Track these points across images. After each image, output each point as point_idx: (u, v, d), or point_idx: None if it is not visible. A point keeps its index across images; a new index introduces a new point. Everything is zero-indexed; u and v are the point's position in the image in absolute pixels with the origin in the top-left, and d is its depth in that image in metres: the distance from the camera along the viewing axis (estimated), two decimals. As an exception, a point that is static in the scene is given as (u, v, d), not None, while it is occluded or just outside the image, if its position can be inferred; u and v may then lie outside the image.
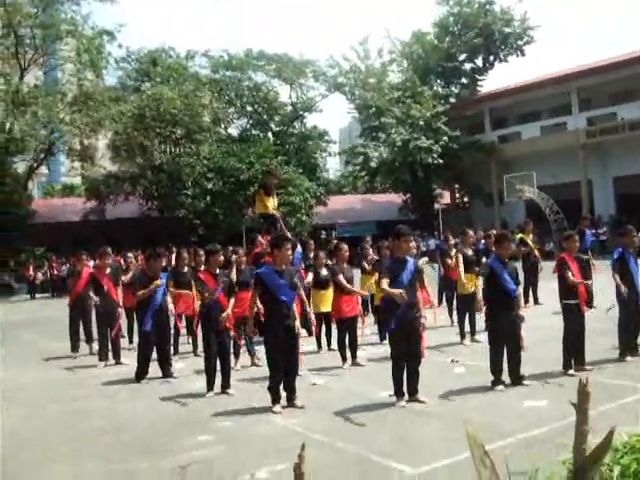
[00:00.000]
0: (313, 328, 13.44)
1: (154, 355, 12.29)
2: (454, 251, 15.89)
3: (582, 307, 10.67)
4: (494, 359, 9.93)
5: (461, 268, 14.40)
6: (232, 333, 11.25)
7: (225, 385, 10.69)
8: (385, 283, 9.24)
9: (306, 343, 12.31)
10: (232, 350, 11.80)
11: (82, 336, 15.78)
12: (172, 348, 14.28)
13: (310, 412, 9.25)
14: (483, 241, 18.71)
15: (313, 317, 11.78)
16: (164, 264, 32.94)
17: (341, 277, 12.63)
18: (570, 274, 10.60)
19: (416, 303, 9.44)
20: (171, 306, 12.97)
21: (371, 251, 16.44)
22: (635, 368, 10.60)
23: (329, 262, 14.18)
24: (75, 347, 15.63)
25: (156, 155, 48.40)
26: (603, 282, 13.57)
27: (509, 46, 54.64)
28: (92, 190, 48.80)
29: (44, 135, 44.56)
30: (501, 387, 9.77)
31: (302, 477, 2.30)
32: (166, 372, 12.20)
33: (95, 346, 14.97)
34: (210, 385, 10.66)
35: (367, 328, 14.61)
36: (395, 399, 9.30)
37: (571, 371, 10.35)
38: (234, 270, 13.28)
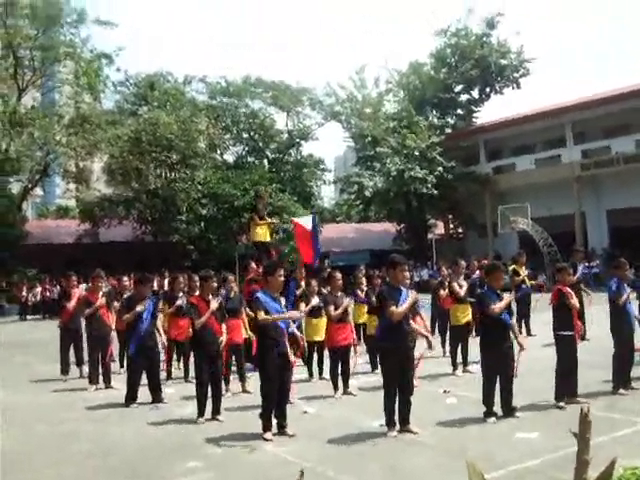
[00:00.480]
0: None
1: (144, 380, 12.23)
2: (447, 282, 15.89)
3: (575, 339, 10.66)
4: (487, 390, 9.90)
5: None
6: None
7: (216, 411, 10.64)
8: (393, 307, 9.22)
9: (298, 372, 12.24)
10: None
11: (72, 358, 15.70)
12: (165, 373, 14.28)
13: (301, 440, 9.20)
14: (478, 272, 18.71)
15: (305, 344, 11.72)
16: (157, 288, 32.89)
17: (331, 308, 12.60)
18: (572, 301, 10.65)
19: (411, 332, 9.44)
20: (162, 333, 12.95)
21: (364, 280, 16.42)
22: (627, 401, 10.58)
23: (323, 290, 14.17)
24: (65, 370, 15.52)
25: (151, 179, 48.39)
26: (597, 315, 13.55)
27: (505, 78, 54.88)
28: (86, 213, 48.74)
29: (40, 156, 44.66)
30: (493, 419, 9.74)
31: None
32: (156, 397, 12.12)
33: (85, 369, 14.89)
34: (201, 411, 10.59)
35: (359, 357, 14.58)
36: (386, 429, 9.27)
37: (562, 403, 10.33)
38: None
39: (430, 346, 10.00)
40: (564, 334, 10.60)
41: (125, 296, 14.53)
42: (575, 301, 10.75)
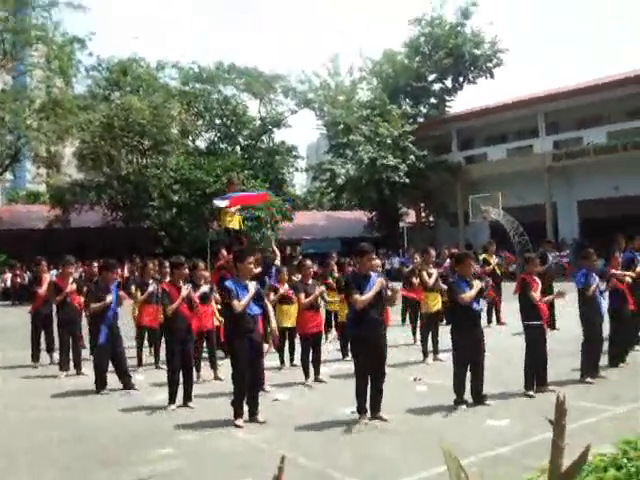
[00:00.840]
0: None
1: (112, 367, 12.19)
2: (418, 270, 15.94)
3: (544, 328, 10.74)
4: (457, 378, 9.97)
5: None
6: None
7: (187, 398, 10.64)
8: (357, 295, 9.25)
9: (269, 359, 12.26)
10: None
11: (43, 345, 15.63)
12: (136, 360, 14.24)
13: (272, 427, 9.22)
14: (448, 260, 18.80)
15: (276, 331, 11.71)
16: (127, 274, 32.77)
17: (302, 296, 12.62)
18: (533, 292, 10.71)
19: (380, 318, 9.47)
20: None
21: (335, 268, 16.45)
22: (595, 390, 10.70)
23: (293, 278, 14.19)
24: (36, 356, 15.45)
25: (123, 165, 48.12)
26: (566, 304, 13.66)
27: (478, 68, 55.02)
28: (57, 198, 48.34)
29: (10, 141, 44.21)
30: (463, 406, 9.81)
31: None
32: (126, 384, 12.08)
33: (56, 356, 14.82)
34: (172, 398, 10.57)
35: (330, 344, 14.62)
36: (358, 416, 9.31)
37: (531, 392, 10.43)
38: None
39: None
40: (531, 324, 10.69)
41: (91, 283, 14.53)
42: (537, 292, 10.80)
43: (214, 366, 12.86)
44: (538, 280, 11.06)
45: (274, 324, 10.53)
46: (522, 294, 10.89)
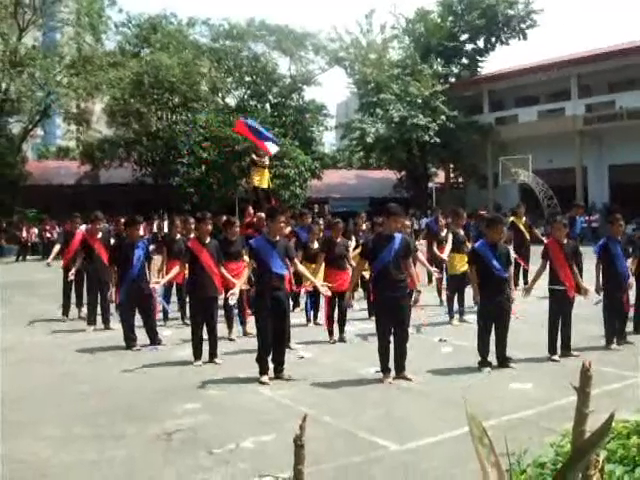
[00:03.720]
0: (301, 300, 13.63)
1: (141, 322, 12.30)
2: (445, 231, 15.88)
3: (569, 293, 10.65)
4: (482, 340, 9.99)
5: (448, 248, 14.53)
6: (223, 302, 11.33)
7: (212, 354, 10.73)
8: (357, 259, 9.33)
9: (294, 317, 12.31)
10: (226, 320, 12.02)
11: (73, 299, 15.79)
12: (162, 315, 14.35)
13: (297, 385, 9.30)
14: (472, 222, 18.72)
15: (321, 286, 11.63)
16: (156, 230, 32.92)
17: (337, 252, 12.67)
18: (553, 256, 10.69)
19: (403, 280, 9.46)
20: (153, 278, 12.97)
21: (364, 226, 16.45)
22: (619, 356, 10.67)
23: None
24: (66, 311, 15.63)
25: (152, 122, 48.14)
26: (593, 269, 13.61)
27: (512, 29, 54.37)
28: (86, 154, 48.56)
29: (40, 97, 44.21)
30: (488, 369, 9.83)
31: (302, 448, 2.32)
32: (153, 339, 12.19)
33: (84, 310, 14.98)
34: (197, 354, 10.68)
35: (356, 303, 14.65)
36: (382, 375, 9.36)
37: (556, 356, 10.42)
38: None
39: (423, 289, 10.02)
40: (553, 288, 10.66)
41: (114, 239, 14.70)
42: (557, 257, 10.73)
43: (243, 322, 12.94)
44: (564, 249, 10.90)
45: (312, 278, 10.64)
46: (545, 258, 10.89)
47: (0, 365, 10.59)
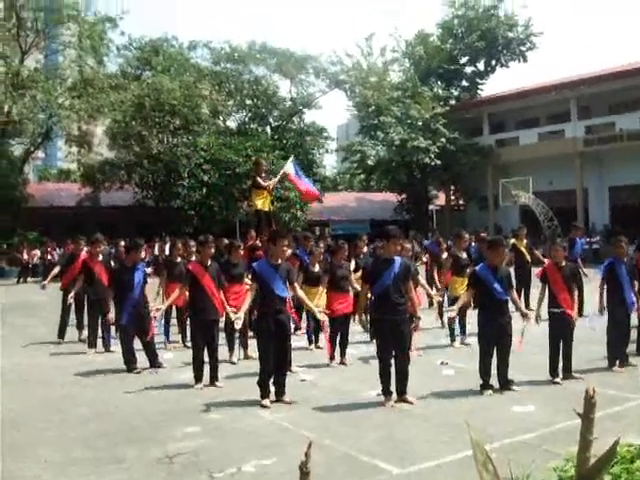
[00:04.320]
0: (302, 324, 13.60)
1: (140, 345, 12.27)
2: (445, 254, 15.87)
3: (568, 315, 10.62)
4: (483, 363, 9.96)
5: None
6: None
7: (213, 377, 10.71)
8: (361, 283, 9.34)
9: (295, 339, 12.30)
10: (227, 343, 11.99)
11: (72, 322, 15.76)
12: (164, 337, 14.32)
13: (298, 408, 9.27)
14: (474, 244, 18.73)
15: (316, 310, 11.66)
16: (157, 253, 32.92)
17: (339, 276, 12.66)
18: (551, 279, 10.71)
19: (402, 303, 9.45)
20: (158, 301, 12.98)
21: (365, 249, 16.43)
22: (622, 378, 10.64)
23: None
24: (62, 333, 15.58)
25: (153, 144, 48.19)
26: (594, 291, 13.57)
27: (511, 51, 54.72)
28: (88, 176, 48.61)
29: (42, 119, 44.33)
30: (490, 391, 9.80)
31: (308, 476, 2.31)
32: (153, 362, 12.17)
33: (85, 333, 14.96)
34: (198, 377, 10.65)
35: (358, 326, 14.62)
36: (383, 398, 9.33)
37: (558, 379, 10.39)
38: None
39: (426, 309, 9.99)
40: (552, 311, 10.66)
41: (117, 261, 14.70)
42: (555, 280, 10.75)
43: (245, 345, 12.92)
44: (562, 272, 10.89)
45: (310, 304, 10.62)
46: (544, 282, 10.91)
47: (1, 386, 10.57)
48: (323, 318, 10.69)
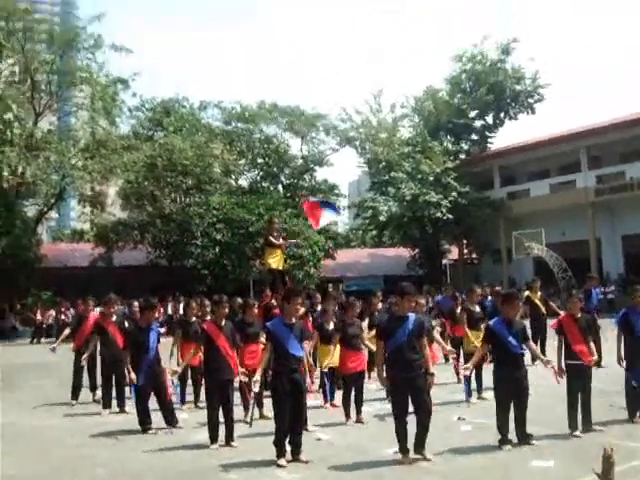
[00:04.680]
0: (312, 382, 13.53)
1: (156, 405, 12.21)
2: (459, 308, 15.84)
3: (586, 367, 10.55)
4: (500, 417, 9.87)
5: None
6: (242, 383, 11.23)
7: (229, 437, 10.61)
8: (375, 339, 9.33)
9: (310, 398, 12.21)
10: (242, 403, 11.88)
11: (85, 383, 15.70)
12: (179, 398, 14.23)
13: (315, 467, 9.18)
14: (490, 297, 18.67)
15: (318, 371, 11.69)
16: (171, 313, 32.89)
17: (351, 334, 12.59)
18: (566, 332, 10.66)
19: (417, 360, 9.39)
20: (172, 361, 12.96)
21: (380, 306, 16.39)
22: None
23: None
24: (75, 394, 15.51)
25: (166, 204, 48.49)
26: (612, 341, 13.46)
27: (520, 104, 55.11)
28: (101, 236, 48.88)
29: (55, 180, 44.70)
30: (508, 446, 9.69)
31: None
32: (169, 422, 12.10)
33: (99, 393, 14.90)
34: (213, 437, 10.56)
35: (374, 384, 14.52)
36: (400, 456, 9.23)
37: (577, 432, 10.28)
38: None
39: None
40: (569, 363, 10.58)
41: (131, 322, 14.68)
42: (571, 332, 10.71)
43: (260, 405, 12.83)
44: (578, 323, 10.84)
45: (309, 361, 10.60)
46: (560, 334, 10.86)
47: (15, 448, 10.52)
48: (324, 369, 10.72)
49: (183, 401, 14.43)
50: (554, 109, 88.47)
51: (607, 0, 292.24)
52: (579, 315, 10.89)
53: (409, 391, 9.23)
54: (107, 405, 14.13)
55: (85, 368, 15.41)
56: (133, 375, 12.08)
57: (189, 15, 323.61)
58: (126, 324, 15.13)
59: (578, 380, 10.46)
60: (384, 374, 9.64)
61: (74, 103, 49.32)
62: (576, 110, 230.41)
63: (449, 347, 13.97)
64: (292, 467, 9.19)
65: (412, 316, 9.54)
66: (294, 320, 9.76)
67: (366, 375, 13.09)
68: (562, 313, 12.00)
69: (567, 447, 9.67)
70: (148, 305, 12.85)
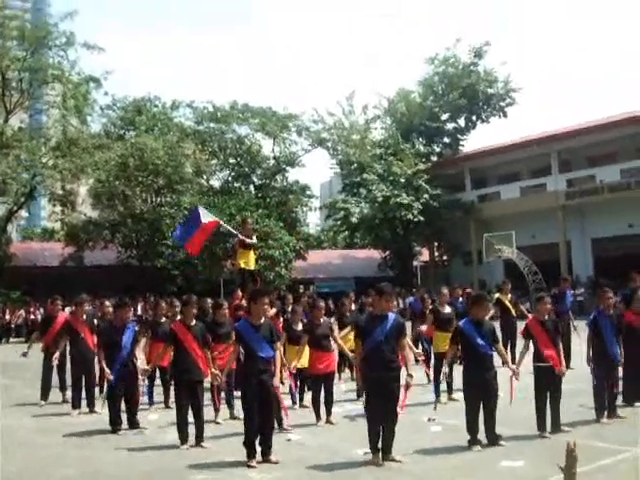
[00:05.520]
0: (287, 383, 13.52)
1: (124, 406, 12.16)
2: (429, 310, 15.90)
3: (555, 369, 10.60)
4: (470, 418, 9.91)
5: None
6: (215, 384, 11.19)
7: (199, 438, 10.58)
8: (344, 334, 9.32)
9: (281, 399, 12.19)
10: (213, 403, 11.84)
11: (55, 383, 15.59)
12: (147, 398, 14.18)
13: (285, 468, 9.17)
14: (461, 299, 18.75)
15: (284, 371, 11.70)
16: (141, 313, 32.75)
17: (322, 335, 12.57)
18: (534, 333, 10.74)
19: (394, 360, 9.41)
20: (141, 359, 12.90)
21: (353, 307, 16.42)
22: (610, 429, 10.60)
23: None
24: (45, 395, 15.39)
25: (137, 204, 48.29)
26: (581, 343, 13.57)
27: (492, 107, 55.32)
28: (71, 235, 48.58)
29: (26, 179, 44.37)
30: (478, 447, 9.73)
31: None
32: (132, 424, 12.04)
33: (68, 393, 14.80)
34: (183, 437, 10.52)
35: (344, 384, 14.54)
36: (371, 457, 9.24)
37: (546, 433, 10.34)
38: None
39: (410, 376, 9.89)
40: (537, 365, 10.66)
41: (103, 321, 14.63)
42: (538, 335, 10.78)
43: (231, 405, 12.80)
44: (545, 326, 10.90)
45: (282, 363, 10.60)
46: (525, 336, 10.94)
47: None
48: (292, 370, 11.27)
49: (151, 402, 14.39)
50: (526, 113, 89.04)
51: (578, 5, 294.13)
52: (546, 318, 10.95)
53: (384, 392, 9.24)
54: (76, 405, 14.01)
55: (54, 368, 15.31)
56: (108, 370, 12.00)
57: (168, 16, 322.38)
58: (96, 323, 15.09)
59: (547, 382, 10.52)
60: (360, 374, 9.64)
61: (45, 101, 49.06)
62: (549, 114, 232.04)
63: (417, 349, 14.02)
64: (262, 467, 9.18)
65: (392, 316, 9.55)
66: (262, 321, 9.75)
67: (336, 376, 13.06)
68: (530, 316, 12.08)
69: (536, 447, 9.73)
70: (121, 304, 12.80)
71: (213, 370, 10.76)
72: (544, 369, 10.52)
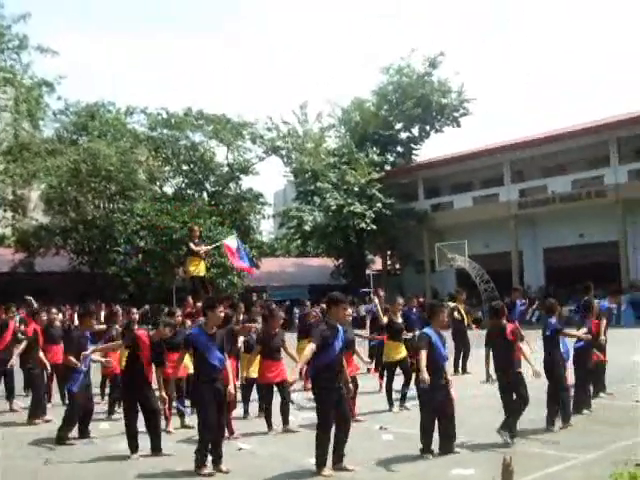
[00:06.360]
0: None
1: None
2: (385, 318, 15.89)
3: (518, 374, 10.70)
4: (425, 427, 9.89)
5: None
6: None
7: (153, 448, 10.46)
8: (309, 349, 9.16)
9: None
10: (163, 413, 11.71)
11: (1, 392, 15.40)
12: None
13: (236, 477, 9.12)
14: (414, 309, 18.78)
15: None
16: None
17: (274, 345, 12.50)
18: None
19: (343, 371, 9.41)
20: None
21: (314, 313, 16.45)
22: (561, 438, 10.66)
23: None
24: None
25: (89, 210, 47.91)
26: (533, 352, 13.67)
27: (445, 117, 55.61)
28: (22, 241, 48.01)
29: (-25, 184, 43.86)
30: (430, 455, 9.73)
31: None
32: (83, 433, 11.88)
33: (16, 402, 14.61)
34: (132, 447, 10.41)
35: (297, 393, 14.49)
36: (321, 467, 9.16)
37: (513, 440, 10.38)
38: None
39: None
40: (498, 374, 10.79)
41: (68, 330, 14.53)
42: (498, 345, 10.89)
43: (182, 414, 12.69)
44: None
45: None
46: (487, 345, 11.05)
47: None
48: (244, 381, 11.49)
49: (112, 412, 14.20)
50: (480, 123, 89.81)
51: (531, 16, 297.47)
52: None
53: (338, 401, 9.19)
54: (38, 414, 13.79)
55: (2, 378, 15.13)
56: (74, 360, 11.77)
57: (128, 19, 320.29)
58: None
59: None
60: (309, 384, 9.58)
61: (-4, 104, 48.40)
62: (500, 125, 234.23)
63: (366, 358, 14.03)
64: (213, 477, 9.12)
65: (340, 328, 9.50)
66: (215, 330, 9.68)
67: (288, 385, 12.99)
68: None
69: (488, 456, 9.75)
70: (85, 312, 12.66)
71: (162, 394, 10.65)
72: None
